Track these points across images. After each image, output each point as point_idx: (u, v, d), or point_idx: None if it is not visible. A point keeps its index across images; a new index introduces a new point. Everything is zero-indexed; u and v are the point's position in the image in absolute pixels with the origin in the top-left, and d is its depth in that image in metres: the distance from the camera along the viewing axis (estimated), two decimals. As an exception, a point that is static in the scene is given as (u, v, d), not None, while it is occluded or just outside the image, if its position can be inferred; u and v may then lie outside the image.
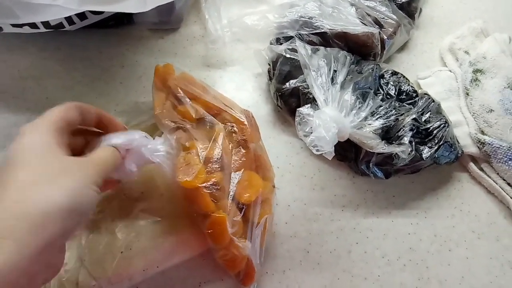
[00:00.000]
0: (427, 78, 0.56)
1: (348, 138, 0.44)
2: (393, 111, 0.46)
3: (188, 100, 0.41)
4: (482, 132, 0.51)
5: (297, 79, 0.48)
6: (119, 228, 0.40)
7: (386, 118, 0.45)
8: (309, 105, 0.44)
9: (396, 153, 0.44)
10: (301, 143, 0.51)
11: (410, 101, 0.49)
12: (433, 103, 0.49)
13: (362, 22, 0.52)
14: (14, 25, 0.42)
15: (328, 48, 0.49)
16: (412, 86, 0.50)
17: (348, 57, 0.49)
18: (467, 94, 0.53)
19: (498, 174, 0.50)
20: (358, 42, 0.51)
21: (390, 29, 0.53)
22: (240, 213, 0.38)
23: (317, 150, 0.38)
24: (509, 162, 0.48)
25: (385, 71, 0.51)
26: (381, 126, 0.44)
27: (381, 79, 0.50)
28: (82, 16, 0.46)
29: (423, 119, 0.47)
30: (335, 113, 0.41)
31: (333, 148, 0.39)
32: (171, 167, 0.37)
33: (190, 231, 0.41)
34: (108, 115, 0.37)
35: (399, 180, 0.50)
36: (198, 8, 0.58)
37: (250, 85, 0.54)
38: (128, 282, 0.39)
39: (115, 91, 0.51)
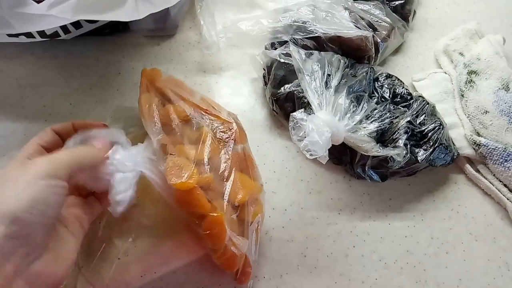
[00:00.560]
0: (422, 80, 0.56)
1: (344, 142, 0.44)
2: (388, 114, 0.46)
3: (177, 98, 0.41)
4: (478, 134, 0.51)
5: (292, 84, 0.49)
6: (116, 234, 0.41)
7: (380, 121, 0.45)
8: (303, 109, 0.44)
9: (392, 156, 0.44)
10: (297, 148, 0.51)
11: (405, 103, 0.49)
12: (427, 105, 0.49)
13: (355, 26, 0.52)
14: (10, 35, 0.43)
15: (322, 52, 0.50)
16: (406, 89, 0.51)
17: (342, 61, 0.49)
18: (462, 95, 0.53)
19: (494, 175, 0.50)
20: (352, 45, 0.52)
21: (384, 32, 0.53)
22: (236, 212, 0.38)
23: (311, 155, 0.39)
24: (505, 163, 0.48)
25: (379, 74, 0.51)
26: (375, 129, 0.44)
27: (376, 82, 0.50)
28: (77, 25, 0.47)
29: (418, 122, 0.47)
30: (328, 117, 0.41)
31: (327, 152, 0.40)
32: (156, 173, 0.37)
33: (187, 236, 0.41)
34: (82, 121, 0.39)
35: (396, 183, 0.50)
36: (193, 14, 0.58)
37: (246, 90, 0.55)
38: (125, 289, 0.39)
39: (111, 98, 0.51)
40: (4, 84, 0.50)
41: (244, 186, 0.39)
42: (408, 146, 0.45)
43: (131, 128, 0.47)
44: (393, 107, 0.48)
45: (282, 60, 0.50)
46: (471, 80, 0.53)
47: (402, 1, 0.57)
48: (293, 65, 0.47)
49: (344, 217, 0.47)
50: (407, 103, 0.49)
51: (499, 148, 0.48)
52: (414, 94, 0.51)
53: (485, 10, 0.66)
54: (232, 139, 0.41)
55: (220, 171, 0.39)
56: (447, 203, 0.50)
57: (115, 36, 0.54)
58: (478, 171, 0.51)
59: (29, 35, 0.44)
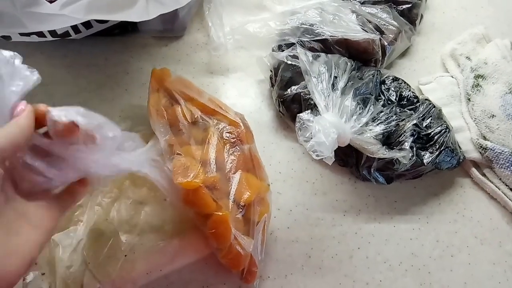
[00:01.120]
0: (429, 83, 0.57)
1: (349, 144, 0.44)
2: (394, 116, 0.46)
3: (183, 102, 0.42)
4: (484, 138, 0.51)
5: (299, 85, 0.49)
6: (123, 232, 0.41)
7: (387, 124, 0.45)
8: (309, 110, 0.44)
9: (397, 158, 0.44)
10: (303, 149, 0.51)
11: (411, 106, 0.49)
12: (434, 108, 0.49)
13: (363, 29, 0.53)
14: (22, 34, 0.44)
15: (329, 55, 0.50)
16: (413, 92, 0.51)
17: (349, 63, 0.50)
18: (469, 99, 0.53)
19: (500, 179, 0.50)
20: (359, 48, 0.52)
21: (391, 35, 0.54)
22: (241, 211, 0.39)
23: (317, 155, 0.39)
24: (511, 167, 0.48)
25: (386, 77, 0.51)
26: (382, 131, 0.45)
27: (382, 85, 0.50)
28: (87, 24, 0.47)
29: (424, 125, 0.47)
30: (335, 119, 0.41)
31: (333, 153, 0.40)
32: (160, 174, 0.36)
33: (193, 234, 0.41)
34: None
35: (401, 186, 0.50)
36: (201, 16, 0.59)
37: (252, 91, 0.55)
38: (131, 285, 0.39)
39: (119, 97, 0.52)
40: (15, 83, 0.51)
41: (250, 186, 0.39)
42: (414, 148, 0.45)
43: (139, 127, 0.48)
44: (400, 110, 0.48)
45: (289, 62, 0.50)
46: (478, 84, 0.53)
47: (409, 5, 0.57)
48: (300, 67, 0.47)
49: (349, 218, 0.47)
50: (414, 106, 0.49)
51: (505, 152, 0.48)
52: (420, 97, 0.51)
53: (493, 15, 0.66)
54: (239, 140, 0.41)
55: (226, 171, 0.40)
56: (452, 206, 0.50)
57: (124, 36, 0.55)
58: (484, 175, 0.51)
59: (40, 34, 0.45)
